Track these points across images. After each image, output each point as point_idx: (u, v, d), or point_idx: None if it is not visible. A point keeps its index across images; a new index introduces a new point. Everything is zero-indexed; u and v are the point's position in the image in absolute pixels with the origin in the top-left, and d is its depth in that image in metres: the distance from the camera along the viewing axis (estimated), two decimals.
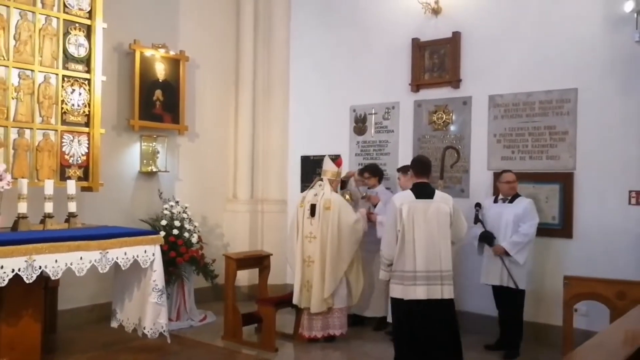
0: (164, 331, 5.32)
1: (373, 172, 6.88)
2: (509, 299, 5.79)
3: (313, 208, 6.06)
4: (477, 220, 5.86)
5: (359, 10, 7.72)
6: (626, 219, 5.84)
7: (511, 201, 5.80)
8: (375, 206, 6.65)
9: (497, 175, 6.40)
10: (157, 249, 5.35)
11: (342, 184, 6.70)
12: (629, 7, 5.71)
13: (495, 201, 5.93)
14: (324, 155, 6.75)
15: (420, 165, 5.22)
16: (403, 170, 6.57)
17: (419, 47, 7.11)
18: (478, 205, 5.98)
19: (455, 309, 5.10)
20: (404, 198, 5.05)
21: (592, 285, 5.18)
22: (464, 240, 5.31)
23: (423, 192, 5.04)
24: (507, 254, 5.66)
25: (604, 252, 5.91)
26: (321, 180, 6.27)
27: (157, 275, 5.30)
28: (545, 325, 6.13)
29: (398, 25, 7.31)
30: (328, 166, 6.36)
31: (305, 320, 6.03)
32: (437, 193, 5.07)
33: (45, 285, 5.32)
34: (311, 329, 6.00)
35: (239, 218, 8.18)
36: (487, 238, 5.78)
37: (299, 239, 6.09)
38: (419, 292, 4.85)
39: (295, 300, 6.01)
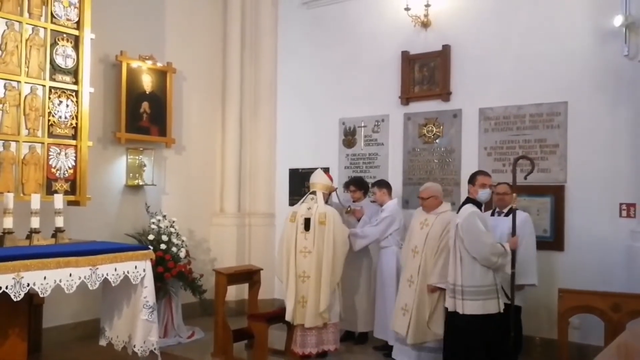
0: (155, 349, 5.17)
1: (359, 185, 6.84)
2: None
3: (307, 222, 5.95)
4: None
5: (348, 22, 7.71)
6: (617, 231, 5.87)
7: (507, 214, 5.78)
8: (359, 220, 6.60)
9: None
10: (147, 265, 5.21)
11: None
12: (618, 21, 5.79)
13: (492, 214, 5.90)
14: (314, 168, 6.66)
15: None
16: (378, 184, 6.60)
17: (408, 60, 7.12)
18: None
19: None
20: None
21: (586, 298, 5.20)
22: (487, 259, 4.99)
23: (460, 207, 5.27)
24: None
25: (596, 265, 5.93)
26: (312, 193, 6.18)
27: (147, 292, 5.16)
28: (536, 338, 6.11)
29: (387, 38, 7.32)
30: (321, 179, 6.27)
31: (299, 336, 5.90)
32: (463, 207, 5.23)
33: (30, 302, 5.15)
34: (305, 345, 5.88)
35: (226, 232, 8.06)
36: None
37: (293, 254, 5.96)
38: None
39: (288, 317, 5.88)
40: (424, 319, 5.47)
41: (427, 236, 5.59)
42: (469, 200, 5.29)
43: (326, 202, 6.19)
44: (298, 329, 5.90)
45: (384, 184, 6.58)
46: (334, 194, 6.56)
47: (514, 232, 5.27)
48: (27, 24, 5.59)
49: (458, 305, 5.03)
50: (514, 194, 5.37)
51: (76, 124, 5.95)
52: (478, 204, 5.27)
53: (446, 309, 5.23)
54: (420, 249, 5.60)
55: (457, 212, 5.30)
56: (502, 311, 5.04)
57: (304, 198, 6.25)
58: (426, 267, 5.52)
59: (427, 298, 5.48)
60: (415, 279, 5.58)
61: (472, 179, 5.36)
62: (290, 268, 5.95)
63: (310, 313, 5.81)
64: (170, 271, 6.49)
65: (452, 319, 5.15)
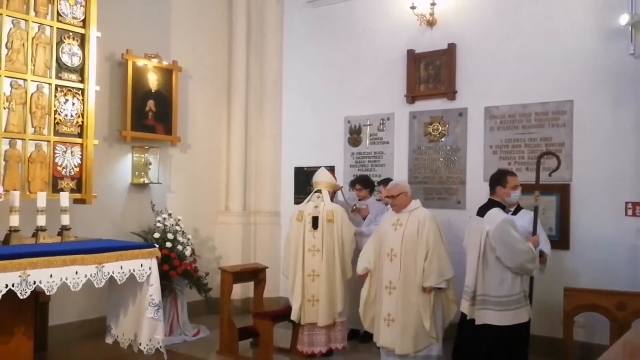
0: (161, 347, 5.20)
1: (364, 184, 6.85)
2: None
3: (315, 220, 5.95)
4: None
5: (354, 21, 7.71)
6: (622, 230, 5.85)
7: (514, 213, 5.76)
8: (364, 218, 6.60)
9: None
10: (153, 263, 5.24)
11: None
12: (624, 19, 5.78)
13: None
14: (318, 167, 6.67)
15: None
16: (384, 183, 6.54)
17: (414, 59, 7.11)
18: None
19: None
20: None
21: (592, 297, 5.21)
22: (522, 266, 4.74)
23: (482, 209, 4.94)
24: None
25: (601, 263, 5.91)
26: (318, 192, 6.18)
27: (153, 290, 5.19)
28: (542, 337, 6.09)
29: (393, 37, 7.32)
30: (325, 177, 6.28)
31: (305, 335, 5.91)
32: (490, 212, 4.83)
33: (36, 300, 5.17)
34: (312, 344, 5.89)
35: (232, 230, 8.07)
36: None
37: (301, 253, 5.95)
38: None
39: (294, 316, 5.88)
40: (413, 325, 5.12)
41: (403, 236, 5.22)
42: (493, 203, 4.93)
43: (332, 200, 6.20)
44: (305, 327, 5.91)
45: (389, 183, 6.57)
46: (339, 192, 6.56)
47: (534, 231, 5.18)
48: (33, 22, 5.60)
49: (487, 317, 4.74)
50: (537, 192, 5.23)
51: (82, 122, 5.96)
52: (503, 207, 4.94)
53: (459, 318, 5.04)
54: (397, 252, 5.21)
55: (477, 215, 4.96)
56: (531, 318, 4.89)
57: (309, 197, 6.25)
58: (407, 269, 5.16)
59: (418, 302, 5.12)
60: (396, 284, 5.19)
61: (500, 180, 4.97)
62: (298, 267, 5.94)
63: (323, 312, 5.81)
64: (176, 269, 6.50)
65: (473, 329, 4.83)
